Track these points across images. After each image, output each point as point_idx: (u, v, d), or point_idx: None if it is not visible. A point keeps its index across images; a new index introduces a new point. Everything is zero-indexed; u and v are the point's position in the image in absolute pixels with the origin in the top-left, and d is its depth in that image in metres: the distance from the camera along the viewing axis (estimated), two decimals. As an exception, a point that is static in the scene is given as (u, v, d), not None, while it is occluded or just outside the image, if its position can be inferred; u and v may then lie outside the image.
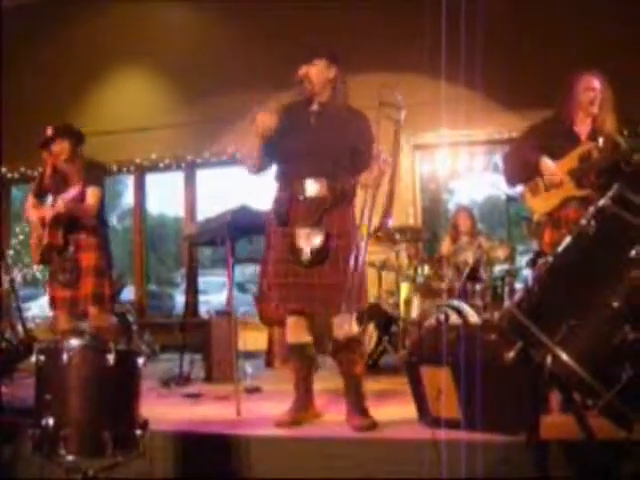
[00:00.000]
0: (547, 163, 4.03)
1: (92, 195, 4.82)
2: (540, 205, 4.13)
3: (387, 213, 3.39)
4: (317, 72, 3.61)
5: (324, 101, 3.65)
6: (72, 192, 4.77)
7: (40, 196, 5.05)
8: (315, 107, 3.65)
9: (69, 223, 4.79)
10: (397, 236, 5.86)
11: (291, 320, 3.68)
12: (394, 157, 3.41)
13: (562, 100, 4.11)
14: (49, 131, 4.88)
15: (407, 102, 3.35)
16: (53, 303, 4.88)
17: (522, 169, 4.18)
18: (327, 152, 3.56)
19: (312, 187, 3.54)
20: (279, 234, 3.59)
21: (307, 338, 3.70)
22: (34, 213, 4.99)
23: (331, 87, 3.64)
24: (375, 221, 3.43)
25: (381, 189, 3.38)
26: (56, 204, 4.75)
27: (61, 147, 4.86)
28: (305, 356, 3.72)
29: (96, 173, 4.94)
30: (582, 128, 4.06)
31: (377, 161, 3.36)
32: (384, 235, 5.62)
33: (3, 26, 7.92)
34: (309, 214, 3.52)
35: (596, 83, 4.02)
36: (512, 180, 4.35)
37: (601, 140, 3.95)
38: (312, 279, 3.48)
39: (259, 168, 3.72)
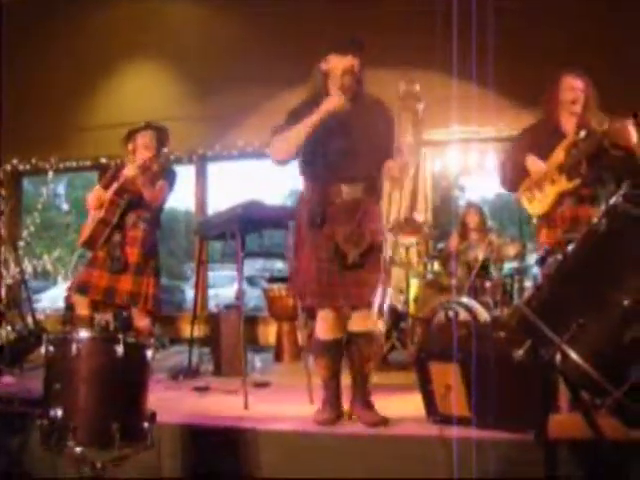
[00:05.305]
0: (532, 159, 4.16)
1: (161, 187, 4.93)
2: (537, 207, 4.22)
3: (414, 207, 3.41)
4: (357, 65, 3.51)
5: (352, 96, 3.49)
6: (144, 157, 4.86)
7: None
8: (346, 104, 3.47)
9: (127, 206, 4.86)
10: (425, 229, 5.91)
11: (326, 317, 3.58)
12: (416, 151, 3.35)
13: (546, 100, 4.23)
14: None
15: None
16: (84, 287, 4.89)
17: (513, 171, 4.29)
18: (363, 152, 3.46)
19: (349, 191, 3.48)
20: (317, 235, 3.50)
21: (340, 334, 3.61)
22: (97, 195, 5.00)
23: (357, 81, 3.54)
24: (399, 214, 3.44)
25: (405, 184, 3.36)
26: (125, 169, 4.81)
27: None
28: (338, 352, 3.65)
29: (170, 173, 5.08)
30: (567, 126, 4.14)
31: (400, 153, 3.33)
32: (413, 227, 5.68)
33: (21, 17, 7.96)
34: (347, 217, 3.46)
35: (578, 83, 4.09)
36: (506, 183, 4.43)
37: (583, 132, 4.00)
38: (351, 278, 3.44)
39: (288, 160, 3.62)
